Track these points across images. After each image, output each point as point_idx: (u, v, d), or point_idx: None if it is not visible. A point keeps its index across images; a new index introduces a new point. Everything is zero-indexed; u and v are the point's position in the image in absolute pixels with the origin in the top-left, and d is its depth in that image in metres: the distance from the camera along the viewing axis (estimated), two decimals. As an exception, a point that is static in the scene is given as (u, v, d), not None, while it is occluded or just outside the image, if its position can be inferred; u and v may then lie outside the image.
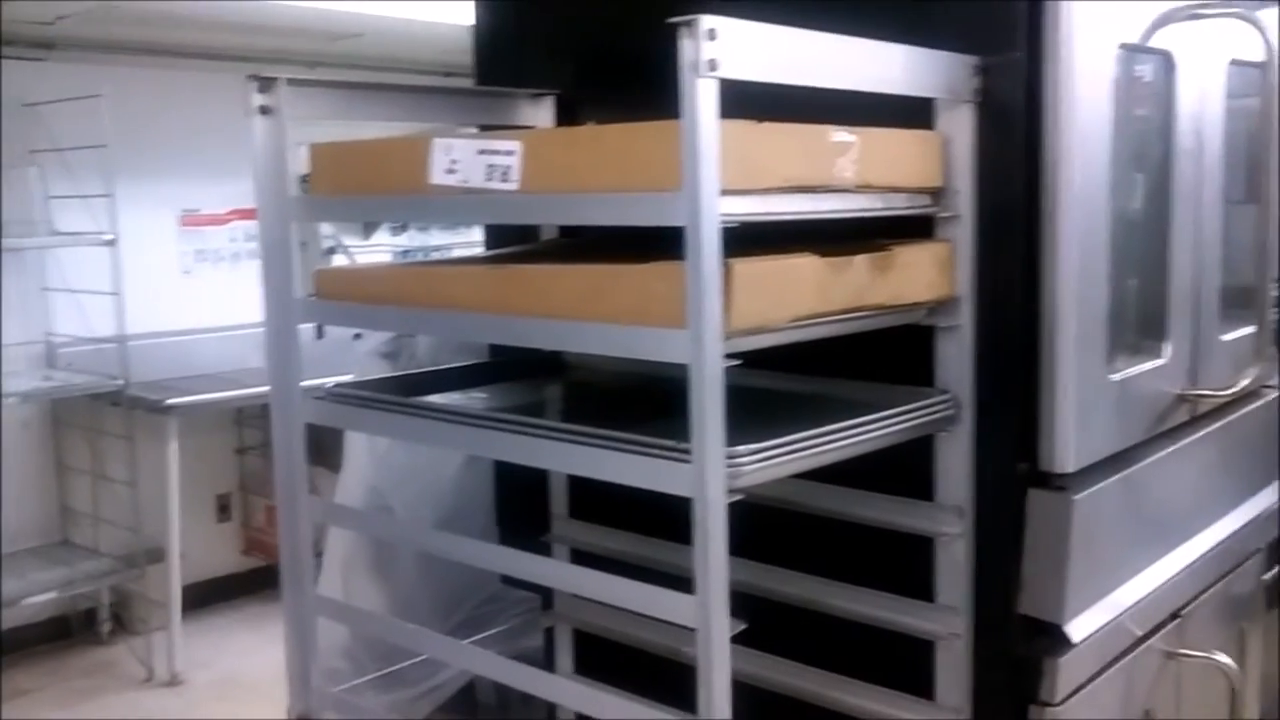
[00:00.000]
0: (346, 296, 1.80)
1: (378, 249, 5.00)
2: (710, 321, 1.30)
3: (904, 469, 1.73)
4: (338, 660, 2.64)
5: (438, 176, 1.61)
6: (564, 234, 2.11)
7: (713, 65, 1.25)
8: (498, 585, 2.63)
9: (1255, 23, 1.83)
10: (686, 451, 1.34)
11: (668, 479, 1.38)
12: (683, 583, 1.39)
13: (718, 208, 1.28)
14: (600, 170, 1.42)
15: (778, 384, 1.80)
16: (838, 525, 1.80)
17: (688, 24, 1.25)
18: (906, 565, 1.76)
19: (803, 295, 1.43)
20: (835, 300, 1.48)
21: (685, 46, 1.25)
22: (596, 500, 2.11)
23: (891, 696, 1.78)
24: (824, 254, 1.46)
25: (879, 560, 1.81)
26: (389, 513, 2.75)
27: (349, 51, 4.70)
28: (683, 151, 1.27)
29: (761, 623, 1.89)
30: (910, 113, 1.62)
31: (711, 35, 1.25)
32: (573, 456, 1.50)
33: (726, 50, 1.26)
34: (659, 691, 1.61)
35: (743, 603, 1.86)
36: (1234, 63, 1.95)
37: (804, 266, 1.44)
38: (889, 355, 1.73)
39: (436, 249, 4.99)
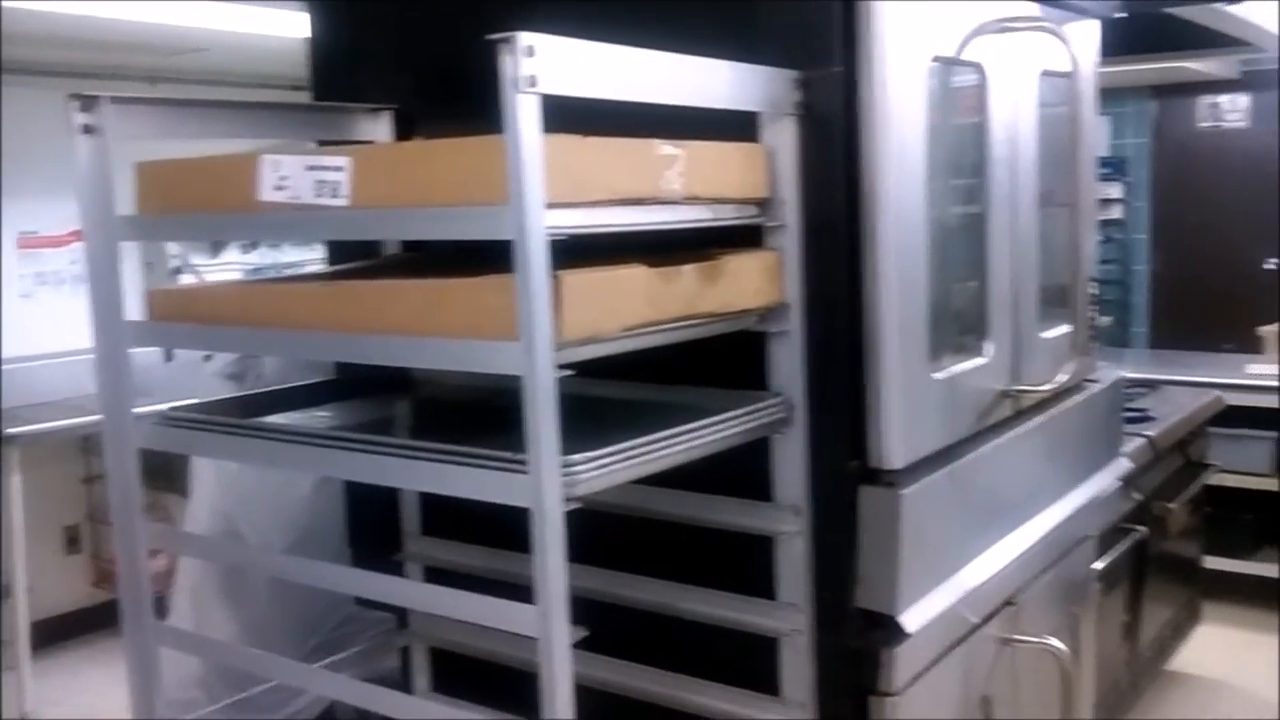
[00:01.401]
0: (182, 317, 1.77)
1: (228, 267, 4.87)
2: (541, 333, 1.32)
3: (744, 471, 1.77)
4: (193, 690, 2.57)
5: (267, 193, 1.59)
6: (407, 249, 2.10)
7: (532, 81, 1.27)
8: (354, 607, 2.60)
9: (1060, 36, 1.93)
10: (523, 462, 1.35)
11: (505, 490, 1.39)
12: (530, 593, 1.40)
13: (544, 221, 1.30)
14: (429, 185, 1.42)
15: (616, 393, 1.82)
16: (683, 529, 1.84)
17: (506, 40, 1.27)
18: (750, 565, 1.80)
19: (633, 305, 1.46)
20: (666, 309, 1.52)
21: (505, 63, 1.27)
22: (448, 516, 2.11)
23: (739, 695, 1.82)
24: (654, 264, 1.49)
25: (724, 562, 1.86)
26: (238, 538, 2.69)
27: (191, 66, 4.58)
28: (507, 166, 1.28)
29: (612, 629, 1.92)
30: (738, 126, 1.67)
31: (530, 52, 1.27)
32: (410, 472, 1.50)
33: (546, 66, 1.29)
34: (515, 704, 1.62)
35: (591, 610, 1.89)
36: (1045, 73, 2.06)
37: (634, 277, 1.47)
38: (725, 361, 1.78)
39: (289, 266, 4.89)
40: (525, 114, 1.27)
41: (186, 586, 2.74)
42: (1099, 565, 2.80)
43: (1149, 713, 3.68)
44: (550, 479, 1.35)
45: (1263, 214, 6.78)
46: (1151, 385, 3.96)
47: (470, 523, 2.04)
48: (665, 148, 1.51)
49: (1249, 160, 6.86)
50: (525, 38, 1.27)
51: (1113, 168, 7.21)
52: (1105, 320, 6.12)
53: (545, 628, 1.38)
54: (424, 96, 2.07)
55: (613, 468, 1.44)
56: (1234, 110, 6.90)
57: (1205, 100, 6.95)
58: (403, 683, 2.26)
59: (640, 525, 1.87)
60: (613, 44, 1.41)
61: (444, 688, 2.22)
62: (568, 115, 1.34)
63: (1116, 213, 7.24)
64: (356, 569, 1.92)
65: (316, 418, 1.92)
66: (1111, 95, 7.07)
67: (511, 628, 1.46)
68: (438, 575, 2.12)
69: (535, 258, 1.30)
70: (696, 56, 1.54)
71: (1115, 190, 7.21)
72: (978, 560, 1.93)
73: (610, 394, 1.83)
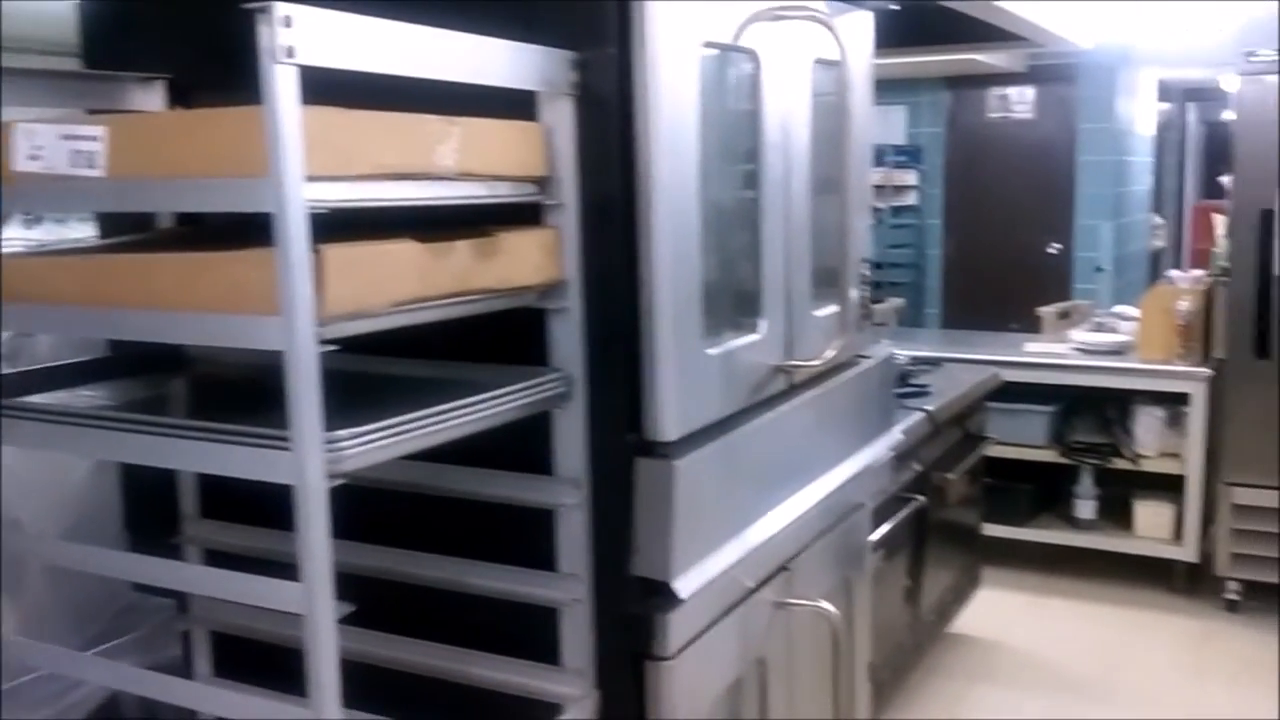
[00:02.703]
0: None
1: (10, 243, 4.61)
2: (302, 307, 1.31)
3: (527, 446, 1.80)
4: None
5: (21, 163, 1.53)
6: (182, 222, 2.04)
7: (290, 52, 1.26)
8: (134, 594, 2.51)
9: (829, 25, 2.02)
10: (285, 439, 1.34)
11: (270, 468, 1.38)
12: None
13: (304, 194, 1.29)
14: (187, 156, 1.40)
15: (398, 370, 1.82)
16: (469, 505, 1.85)
17: (263, 10, 1.25)
18: (533, 538, 1.83)
19: (402, 280, 1.47)
20: (438, 285, 1.52)
21: (262, 33, 1.26)
22: (227, 498, 2.06)
23: (520, 665, 1.85)
24: (425, 239, 1.50)
25: (509, 535, 1.88)
26: (15, 525, 2.57)
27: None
28: (265, 138, 1.27)
29: (397, 606, 1.93)
30: (520, 105, 1.69)
31: (287, 22, 1.26)
32: (173, 451, 1.47)
33: (304, 37, 1.28)
34: (296, 686, 1.60)
35: (374, 588, 1.89)
36: (818, 61, 2.14)
37: (402, 252, 1.47)
38: (509, 338, 1.80)
39: (76, 241, 4.65)
40: (283, 85, 1.26)
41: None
42: (879, 533, 2.96)
43: (931, 673, 3.90)
44: (313, 456, 1.34)
45: (1046, 201, 7.22)
46: (935, 363, 4.18)
47: (249, 504, 1.98)
48: (437, 123, 1.51)
49: (1035, 149, 7.28)
50: (281, 8, 1.25)
51: (909, 155, 7.54)
52: (899, 301, 6.40)
53: (309, 604, 1.38)
54: (196, 66, 2.01)
55: (380, 443, 1.44)
56: (1022, 102, 7.30)
57: (995, 92, 7.33)
58: (184, 668, 2.21)
59: (426, 502, 1.88)
60: (386, 19, 1.41)
61: (227, 672, 2.17)
62: (346, 90, 1.33)
63: (912, 199, 7.58)
64: (128, 553, 1.86)
65: (82, 397, 1.85)
66: (908, 85, 7.40)
67: (278, 606, 1.45)
68: (219, 558, 2.07)
69: (294, 231, 1.29)
70: (474, 34, 1.55)
71: (911, 177, 7.54)
72: (752, 527, 2.01)
73: (392, 371, 1.83)
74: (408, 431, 1.48)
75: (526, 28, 1.67)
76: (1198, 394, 4.39)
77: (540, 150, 1.70)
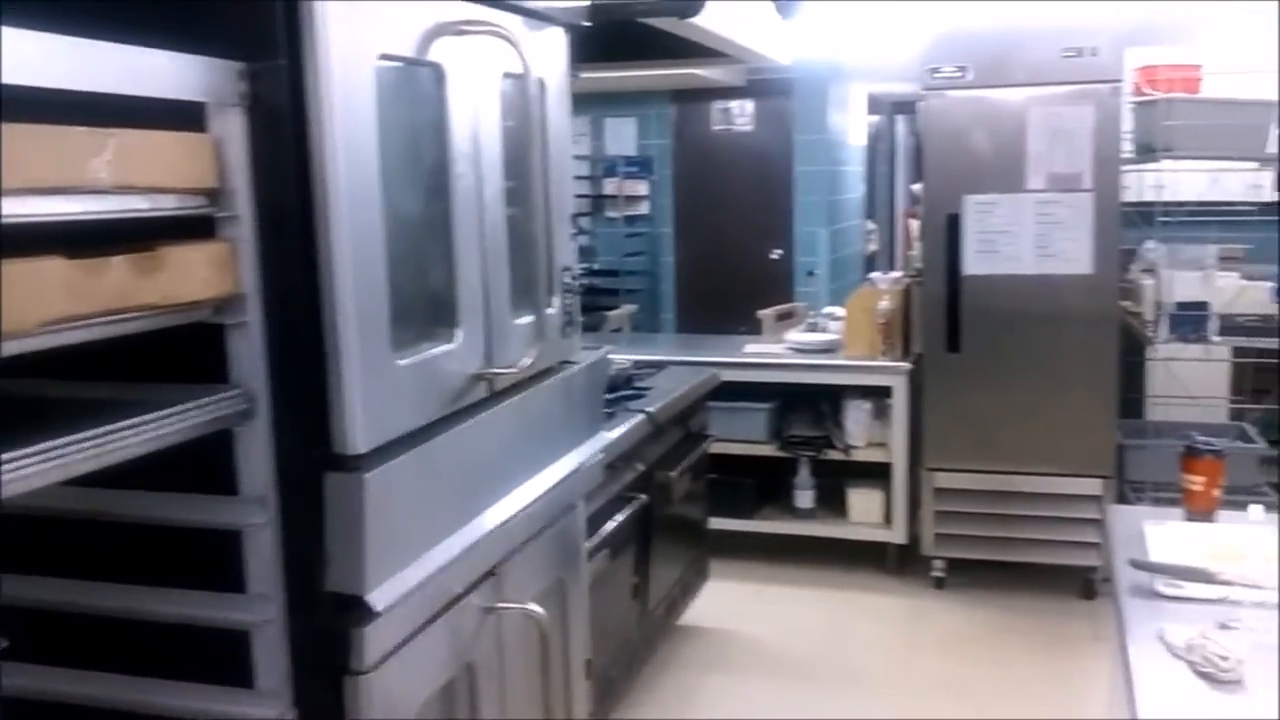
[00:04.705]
0: None
1: None
2: (-68, 330, 1.24)
3: (211, 466, 1.76)
4: None
5: None
6: None
7: (-96, 60, 1.19)
8: None
9: (512, 40, 2.06)
10: (-81, 469, 1.26)
11: (-98, 501, 1.29)
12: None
13: (-71, 211, 1.22)
14: None
15: (68, 392, 1.73)
16: (152, 530, 1.79)
17: None
18: (221, 560, 1.79)
19: (49, 299, 1.40)
20: (92, 303, 1.47)
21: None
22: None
23: (213, 691, 1.80)
24: (76, 256, 1.44)
25: (196, 559, 1.83)
26: None
27: None
28: (-122, 151, 1.19)
29: (76, 639, 1.84)
30: (193, 117, 1.65)
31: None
32: None
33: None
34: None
35: (49, 621, 1.80)
36: (507, 75, 2.18)
37: (47, 269, 1.40)
38: (190, 355, 1.75)
39: None
40: (-104, 95, 1.19)
41: None
42: (602, 533, 3.04)
43: (663, 666, 4.03)
44: (-48, 484, 1.27)
45: (768, 209, 7.59)
46: (659, 366, 4.31)
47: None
48: (88, 135, 1.46)
49: (756, 160, 7.64)
50: (-111, 13, 1.18)
51: (640, 166, 7.76)
52: (631, 308, 6.59)
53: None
54: None
55: (34, 469, 1.38)
56: (742, 115, 7.65)
57: (718, 105, 7.65)
58: None
59: (109, 530, 1.80)
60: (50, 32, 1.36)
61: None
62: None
63: (645, 208, 7.80)
64: None
65: None
66: (636, 98, 7.62)
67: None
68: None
69: (-83, 250, 1.21)
70: (136, 45, 1.51)
71: (643, 187, 7.77)
72: (456, 535, 2.03)
73: (62, 394, 1.74)
74: (64, 456, 1.42)
75: (197, 39, 1.64)
76: (899, 387, 4.72)
77: (210, 162, 1.67)
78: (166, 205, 1.61)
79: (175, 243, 1.61)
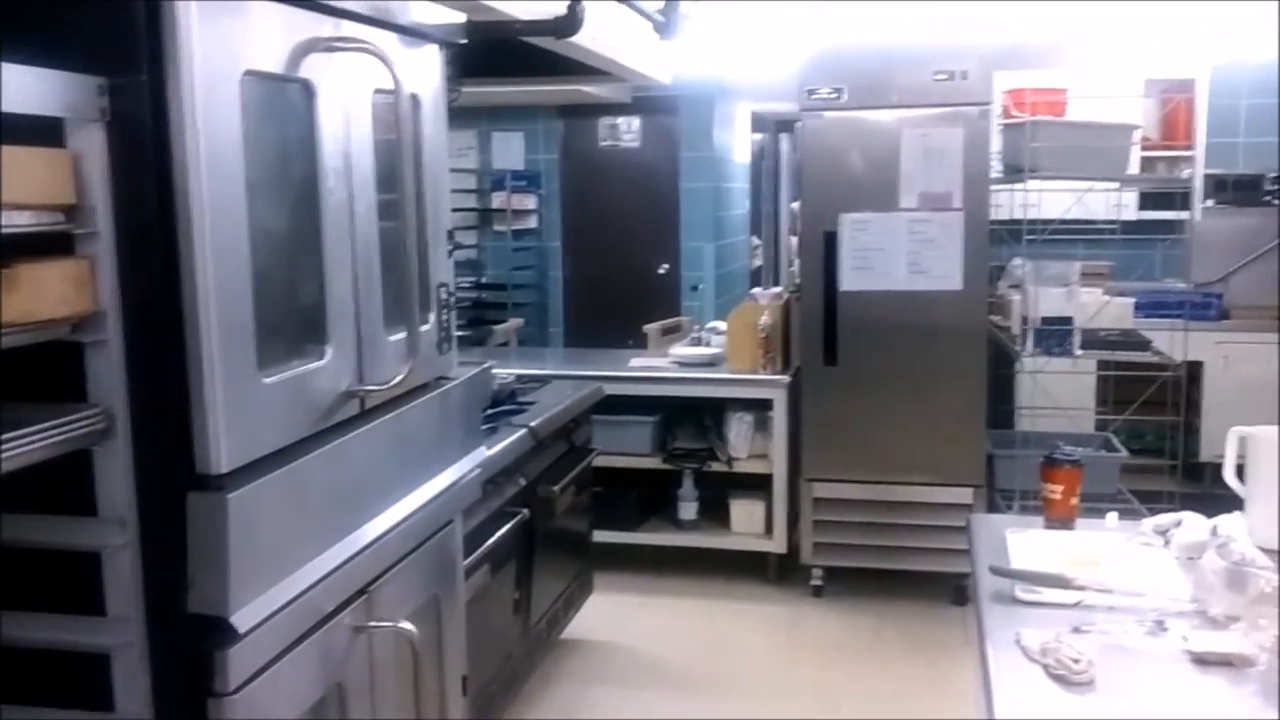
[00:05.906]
0: None
1: None
2: None
3: (69, 487, 1.72)
4: None
5: None
6: None
7: None
8: None
9: (382, 57, 2.06)
10: None
11: None
12: None
13: None
14: None
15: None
16: (7, 553, 1.74)
17: None
18: (80, 582, 1.75)
19: (-107, 317, 1.37)
20: (-59, 321, 1.43)
21: None
22: None
23: (71, 716, 1.76)
24: (-78, 274, 1.41)
25: (55, 582, 1.79)
26: None
27: None
28: None
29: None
30: (52, 131, 1.62)
31: None
32: None
33: None
34: None
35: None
36: (379, 91, 2.18)
37: (-111, 288, 1.37)
38: (47, 374, 1.71)
39: None
40: None
41: None
42: (483, 548, 3.04)
43: (546, 680, 4.03)
44: None
45: (655, 224, 7.67)
46: (543, 380, 4.33)
47: None
48: (-67, 150, 1.43)
49: (643, 176, 7.71)
50: None
51: (528, 180, 7.77)
52: (518, 321, 6.58)
53: None
54: None
55: (-127, 493, 1.34)
56: (629, 131, 7.72)
57: (605, 121, 7.71)
58: None
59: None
60: None
61: None
62: None
63: (533, 222, 7.81)
64: None
65: None
66: (523, 113, 7.64)
67: None
68: None
69: None
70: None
71: (531, 201, 7.78)
72: (325, 554, 2.01)
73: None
74: (-96, 479, 1.38)
75: (56, 53, 1.61)
76: (779, 400, 4.82)
77: (68, 178, 1.64)
78: (21, 222, 1.57)
79: (31, 260, 1.58)
